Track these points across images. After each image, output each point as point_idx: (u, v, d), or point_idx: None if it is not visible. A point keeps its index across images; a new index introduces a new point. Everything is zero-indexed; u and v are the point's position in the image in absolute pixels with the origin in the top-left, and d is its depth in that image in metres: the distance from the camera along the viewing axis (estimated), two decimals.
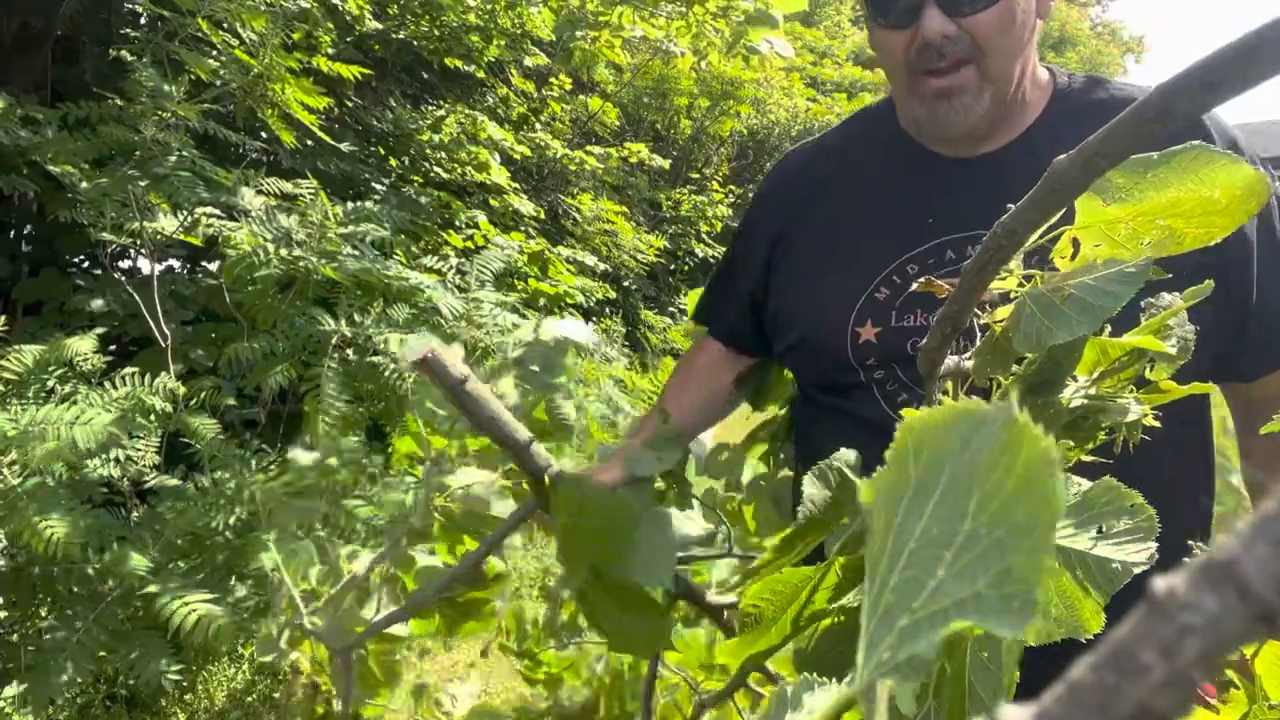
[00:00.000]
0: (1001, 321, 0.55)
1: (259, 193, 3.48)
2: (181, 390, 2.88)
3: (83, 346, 2.73)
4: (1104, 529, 0.46)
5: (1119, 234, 0.53)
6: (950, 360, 0.59)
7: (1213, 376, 1.12)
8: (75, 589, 2.57)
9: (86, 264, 4.38)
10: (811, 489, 0.56)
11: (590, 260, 6.07)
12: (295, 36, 4.17)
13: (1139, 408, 0.55)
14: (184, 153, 3.18)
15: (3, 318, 2.73)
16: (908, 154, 1.26)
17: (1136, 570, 0.45)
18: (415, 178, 5.25)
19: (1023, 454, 0.26)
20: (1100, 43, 26.40)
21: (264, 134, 4.04)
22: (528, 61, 5.94)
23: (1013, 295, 0.55)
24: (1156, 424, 0.57)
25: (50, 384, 2.64)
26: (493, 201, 5.58)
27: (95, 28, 4.29)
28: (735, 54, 5.05)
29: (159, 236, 3.26)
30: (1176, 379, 0.59)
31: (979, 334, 0.58)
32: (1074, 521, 0.46)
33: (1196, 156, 0.49)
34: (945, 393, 0.60)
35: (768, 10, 4.53)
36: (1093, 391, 0.55)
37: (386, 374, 3.09)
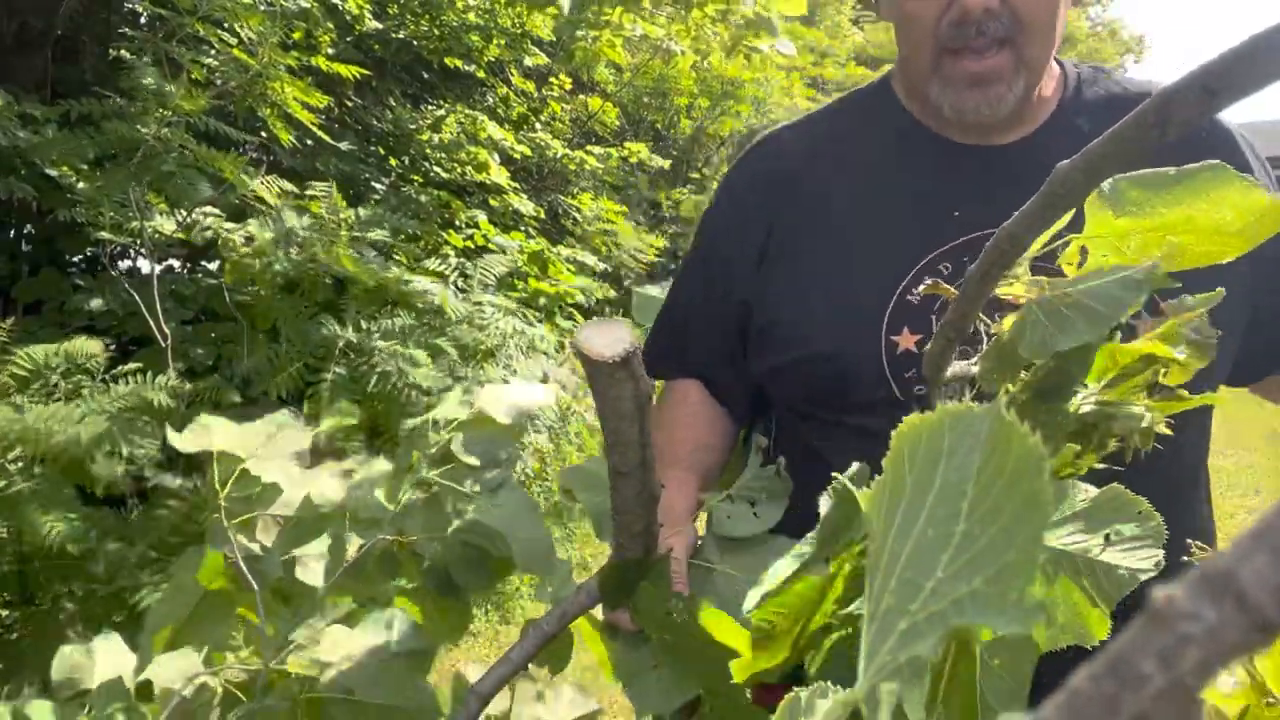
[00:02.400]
0: (1008, 328, 0.55)
1: (269, 191, 3.48)
2: (187, 387, 2.89)
3: (90, 348, 2.74)
4: (1111, 536, 0.46)
5: (1128, 246, 0.53)
6: (958, 366, 0.59)
7: (1232, 380, 1.07)
8: (74, 588, 2.57)
9: (86, 264, 4.38)
10: (825, 507, 0.56)
11: (590, 260, 6.06)
12: (295, 36, 4.17)
13: (1150, 415, 0.54)
14: (185, 149, 3.18)
15: (10, 320, 2.73)
16: (918, 140, 1.13)
17: (1143, 577, 0.45)
18: (415, 178, 5.25)
19: (1011, 453, 0.27)
20: (1098, 41, 26.38)
21: (264, 133, 4.04)
22: (528, 61, 5.94)
23: (1019, 301, 0.55)
24: (1168, 431, 0.56)
25: (54, 380, 2.65)
26: (493, 201, 5.58)
27: (95, 27, 4.28)
28: (735, 55, 5.05)
29: (158, 236, 3.26)
30: (1196, 383, 0.59)
31: (985, 340, 0.58)
32: (1081, 528, 0.46)
33: (1213, 177, 0.49)
34: (951, 398, 0.60)
35: (767, 15, 4.52)
36: (1102, 398, 0.55)
37: (392, 383, 3.09)
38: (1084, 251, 0.55)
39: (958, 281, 1.07)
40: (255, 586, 0.88)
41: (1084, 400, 0.55)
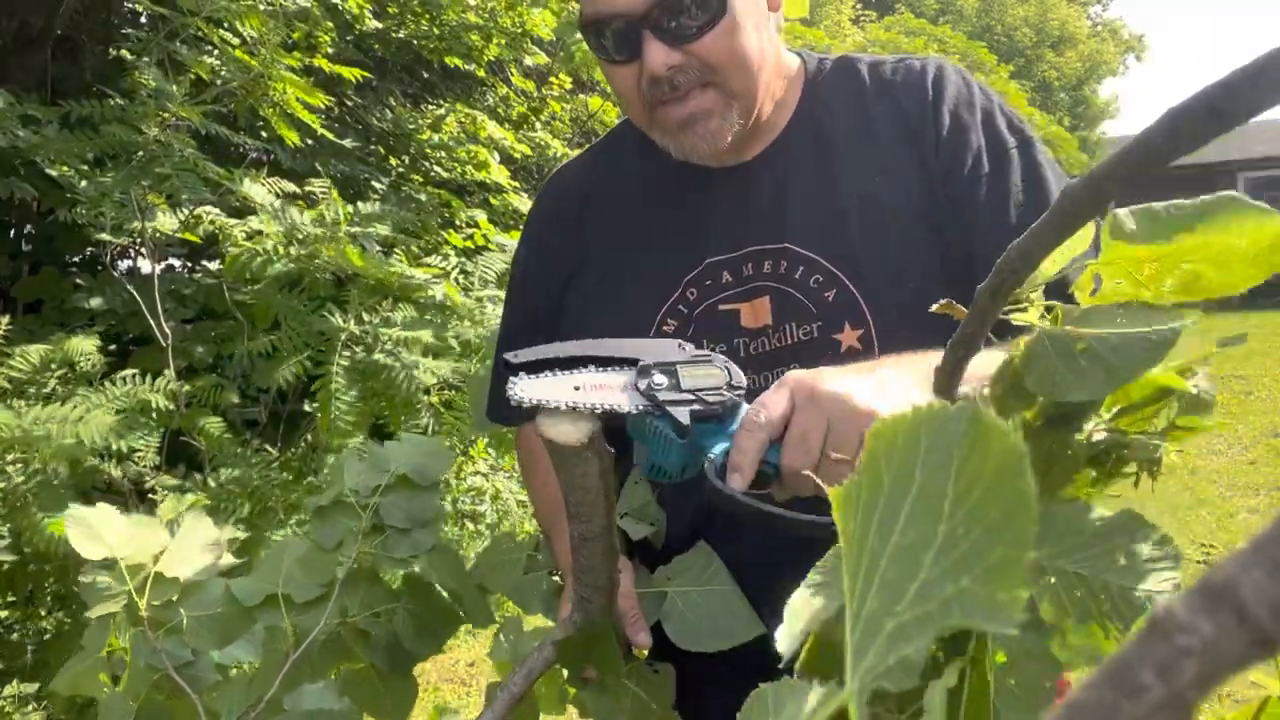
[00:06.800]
0: (1019, 354, 0.54)
1: (269, 192, 3.47)
2: (186, 388, 2.88)
3: (85, 347, 2.74)
4: (1127, 557, 0.45)
5: (1142, 273, 0.52)
6: (970, 388, 0.58)
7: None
8: (75, 588, 2.57)
9: (86, 263, 4.37)
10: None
11: None
12: (295, 36, 4.16)
13: (1162, 446, 0.53)
14: (185, 152, 3.18)
15: (6, 318, 2.73)
16: (675, 170, 1.15)
17: (1159, 599, 0.44)
18: (415, 177, 5.24)
19: (991, 452, 0.26)
20: (1098, 41, 26.32)
21: (264, 134, 4.03)
22: (528, 61, 5.93)
23: (1034, 328, 0.54)
24: (1177, 458, 0.55)
25: (51, 383, 2.64)
26: (493, 201, 5.57)
27: (95, 27, 4.28)
28: None
29: (158, 236, 3.26)
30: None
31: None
32: (1098, 550, 0.45)
33: (1227, 205, 0.49)
34: None
35: None
36: (1114, 425, 0.54)
37: (394, 374, 3.09)
38: (1097, 279, 0.54)
39: (699, 308, 1.11)
40: (194, 695, 0.87)
41: (1096, 428, 0.54)
